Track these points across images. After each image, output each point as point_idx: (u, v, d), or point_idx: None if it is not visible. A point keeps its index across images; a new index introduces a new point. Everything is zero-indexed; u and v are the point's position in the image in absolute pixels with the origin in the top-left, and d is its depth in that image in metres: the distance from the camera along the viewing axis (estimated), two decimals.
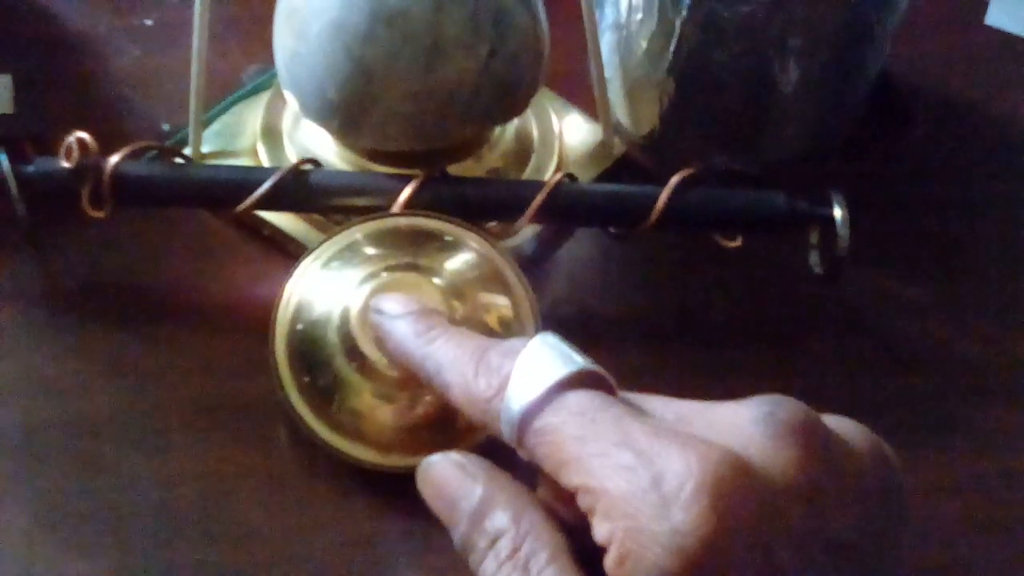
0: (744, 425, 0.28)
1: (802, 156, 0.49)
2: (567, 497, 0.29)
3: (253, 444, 0.40)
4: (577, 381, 0.29)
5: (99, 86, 0.50)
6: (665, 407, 0.30)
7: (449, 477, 0.32)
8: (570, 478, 0.28)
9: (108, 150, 0.41)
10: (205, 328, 0.42)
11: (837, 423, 0.30)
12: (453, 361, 0.32)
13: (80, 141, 0.40)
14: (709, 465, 0.26)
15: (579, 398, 0.29)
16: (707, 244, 0.44)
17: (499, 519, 0.30)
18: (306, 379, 0.38)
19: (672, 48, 0.45)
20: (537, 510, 0.30)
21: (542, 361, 0.30)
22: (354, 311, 0.38)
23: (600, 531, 0.27)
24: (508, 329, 0.39)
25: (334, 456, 0.38)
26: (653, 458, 0.27)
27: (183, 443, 0.39)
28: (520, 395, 0.29)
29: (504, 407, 0.30)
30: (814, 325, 0.46)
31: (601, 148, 0.49)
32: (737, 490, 0.26)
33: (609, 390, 0.30)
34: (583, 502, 0.28)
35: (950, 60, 0.56)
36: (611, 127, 0.49)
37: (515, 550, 0.29)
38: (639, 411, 0.30)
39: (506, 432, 0.30)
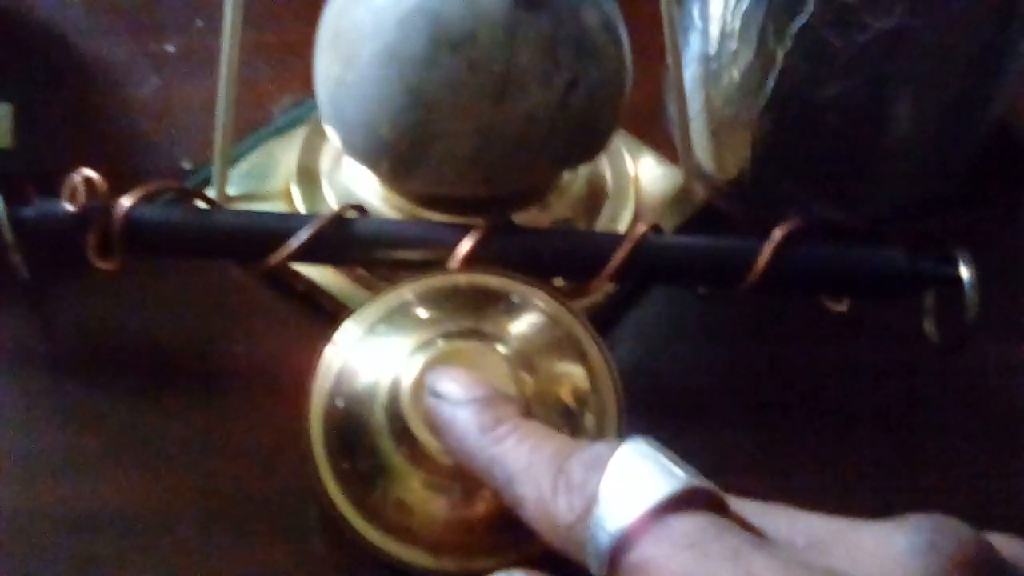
0: (898, 558, 0.24)
1: (910, 208, 0.45)
2: None
3: (281, 541, 0.35)
4: (682, 501, 0.25)
5: (113, 119, 0.47)
6: (791, 526, 0.26)
7: None
8: None
9: (121, 192, 0.37)
10: (228, 401, 0.38)
11: (1010, 548, 0.25)
12: (527, 470, 0.28)
13: (87, 180, 0.36)
14: None
15: (686, 524, 0.25)
16: (806, 307, 0.40)
17: None
18: (345, 464, 0.34)
19: (771, 82, 0.41)
20: None
21: (637, 476, 0.26)
22: (406, 386, 0.33)
23: None
24: (584, 404, 0.35)
25: (376, 557, 0.33)
26: None
27: (197, 540, 0.35)
28: (611, 521, 0.25)
29: (591, 535, 0.26)
30: (933, 403, 0.41)
31: (681, 195, 0.45)
32: None
33: (720, 508, 0.26)
34: None
35: None
36: (693, 172, 0.45)
37: None
38: (760, 537, 0.26)
39: (593, 565, 0.26)
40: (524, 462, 0.28)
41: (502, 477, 0.29)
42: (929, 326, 0.39)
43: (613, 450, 0.27)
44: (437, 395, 0.31)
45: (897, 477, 0.39)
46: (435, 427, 0.32)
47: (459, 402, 0.31)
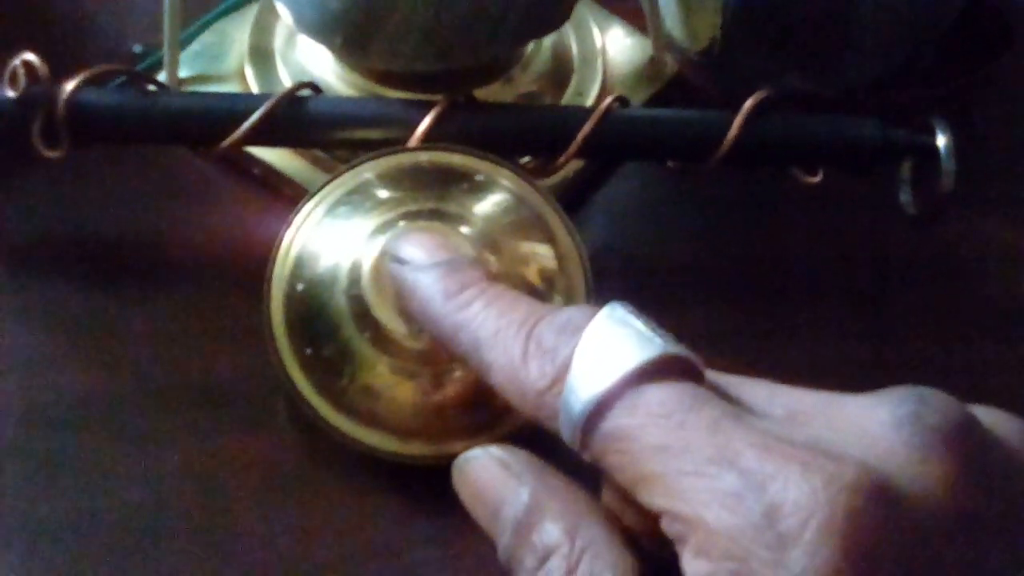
0: (880, 430, 0.24)
1: (884, 79, 0.44)
2: (639, 506, 0.24)
3: (247, 432, 0.35)
4: (658, 369, 0.24)
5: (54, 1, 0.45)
6: (770, 399, 0.26)
7: (489, 478, 0.28)
8: (652, 499, 0.24)
9: (66, 77, 0.36)
10: (186, 291, 0.38)
11: (993, 421, 0.25)
12: (495, 335, 0.27)
13: (27, 65, 0.35)
14: (839, 492, 0.22)
15: (662, 393, 0.24)
16: (780, 181, 0.39)
17: (550, 532, 0.26)
18: (308, 351, 0.33)
19: None
20: (596, 522, 0.26)
21: (612, 343, 0.25)
22: (366, 267, 0.33)
23: (694, 570, 0.23)
24: (552, 285, 0.34)
25: (345, 444, 0.33)
26: (765, 481, 0.22)
27: (163, 432, 0.35)
28: (584, 388, 0.25)
29: (563, 402, 0.25)
30: (906, 277, 0.41)
31: (650, 67, 0.44)
32: (876, 525, 0.22)
33: (698, 378, 0.25)
34: (670, 528, 0.23)
35: None
36: (662, 42, 0.43)
37: (569, 572, 0.25)
38: (739, 408, 0.25)
39: (566, 434, 0.26)
40: (492, 327, 0.27)
41: (469, 343, 0.28)
42: (905, 196, 0.38)
43: (587, 315, 0.26)
44: (399, 261, 0.30)
45: (868, 352, 0.39)
46: (398, 297, 0.31)
47: (422, 267, 0.29)
